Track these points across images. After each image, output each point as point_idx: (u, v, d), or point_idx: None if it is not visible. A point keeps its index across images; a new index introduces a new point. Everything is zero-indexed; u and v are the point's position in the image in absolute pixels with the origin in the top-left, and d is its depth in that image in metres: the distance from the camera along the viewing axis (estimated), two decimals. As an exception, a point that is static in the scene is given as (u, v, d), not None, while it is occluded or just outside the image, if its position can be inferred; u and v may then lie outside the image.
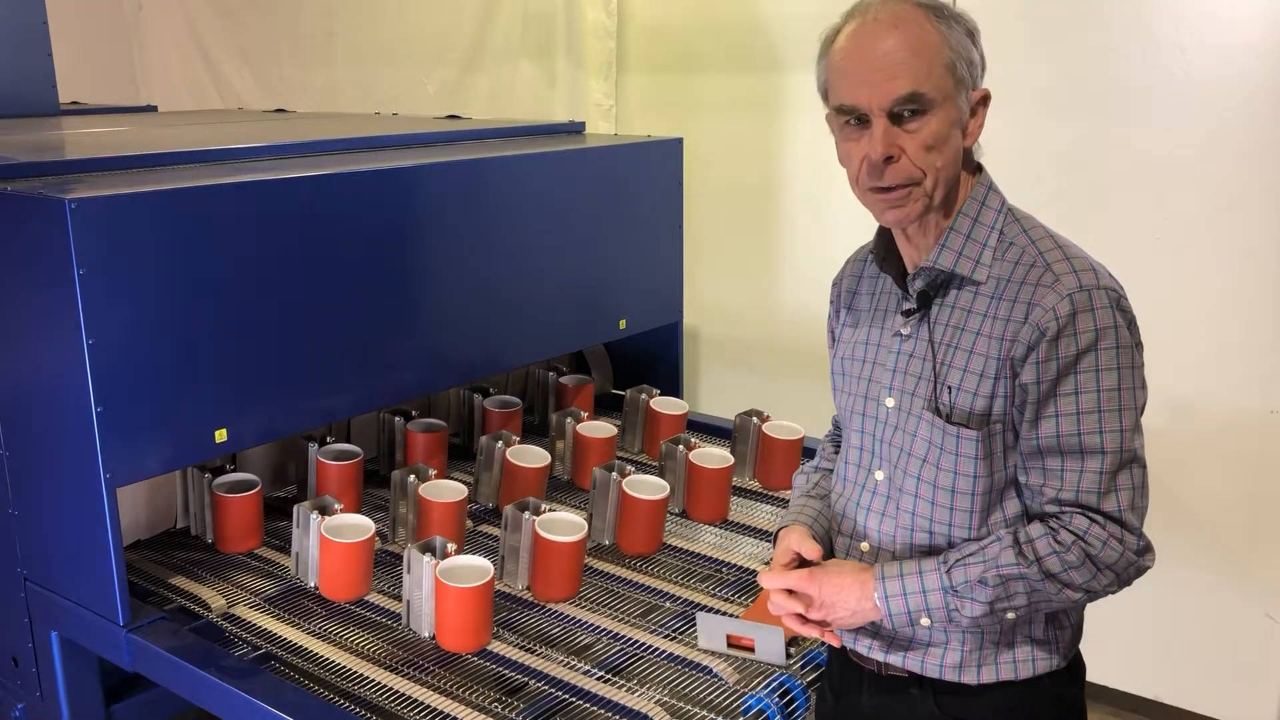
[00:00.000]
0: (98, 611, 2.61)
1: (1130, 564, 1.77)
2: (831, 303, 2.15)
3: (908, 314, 1.91)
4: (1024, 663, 1.88)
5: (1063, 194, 3.63)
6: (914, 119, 1.76)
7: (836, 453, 2.16)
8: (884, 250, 1.96)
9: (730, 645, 2.40)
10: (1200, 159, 3.52)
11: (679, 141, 3.92)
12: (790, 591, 1.91)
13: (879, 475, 1.95)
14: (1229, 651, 3.76)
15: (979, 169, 1.90)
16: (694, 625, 2.54)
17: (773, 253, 4.59)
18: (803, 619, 1.92)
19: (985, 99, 1.83)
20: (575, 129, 4.19)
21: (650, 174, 3.85)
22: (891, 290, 1.96)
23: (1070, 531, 1.76)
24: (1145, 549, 1.78)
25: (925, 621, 1.83)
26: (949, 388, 1.84)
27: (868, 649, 1.97)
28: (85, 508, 2.53)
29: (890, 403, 1.91)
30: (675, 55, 4.69)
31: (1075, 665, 1.95)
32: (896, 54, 1.74)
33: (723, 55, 4.55)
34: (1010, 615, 1.81)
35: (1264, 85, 3.39)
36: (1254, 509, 3.64)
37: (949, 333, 1.85)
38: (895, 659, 1.94)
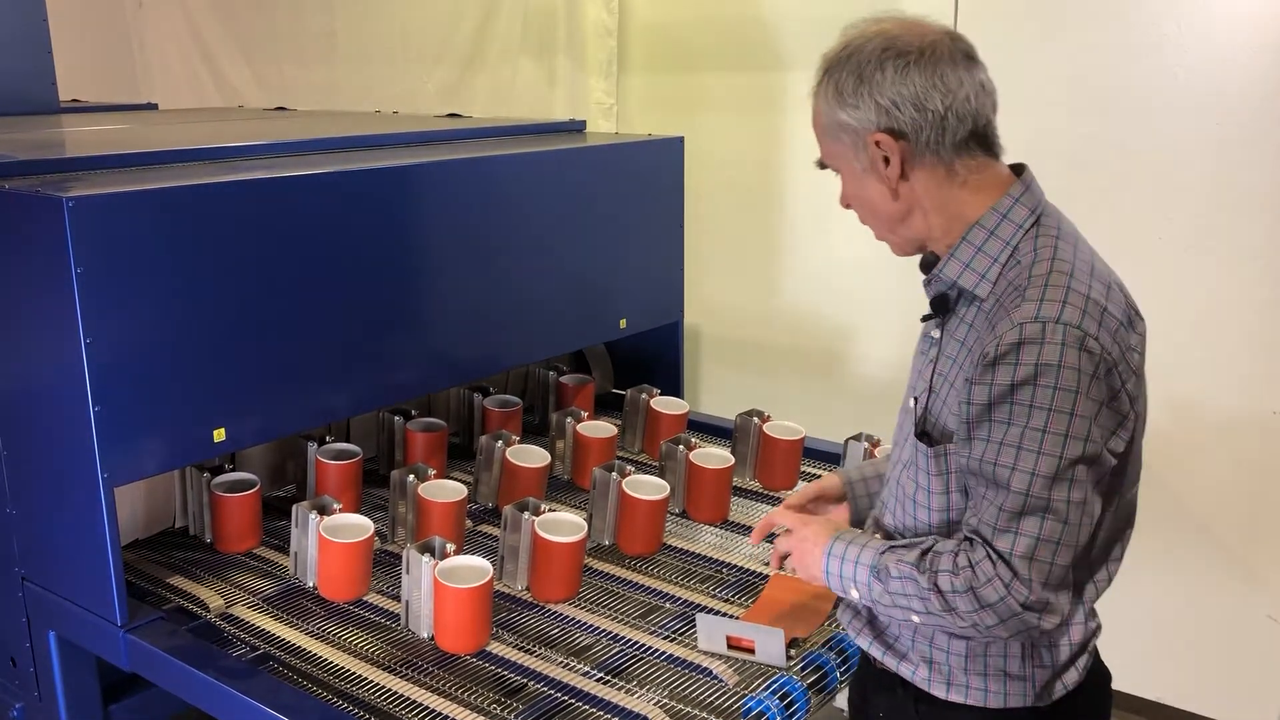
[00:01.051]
0: (95, 611, 2.60)
1: (1013, 613, 1.70)
2: None
3: (926, 319, 1.92)
4: (995, 693, 1.87)
5: (1064, 194, 3.60)
6: (840, 177, 1.90)
7: None
8: (924, 257, 1.93)
9: (730, 647, 2.39)
10: (1202, 159, 3.51)
11: (680, 140, 3.91)
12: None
13: (895, 471, 2.00)
14: (1230, 653, 3.75)
15: (1020, 172, 1.86)
16: (694, 626, 2.54)
17: (774, 252, 4.59)
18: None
19: (885, 144, 1.79)
20: (576, 128, 4.19)
21: (651, 173, 3.84)
22: None
23: (967, 557, 1.73)
24: (1039, 606, 1.70)
25: (854, 594, 1.89)
26: (939, 402, 1.85)
27: (857, 633, 2.03)
28: (83, 507, 2.52)
29: (913, 400, 1.93)
30: (676, 54, 4.69)
31: (1057, 709, 1.90)
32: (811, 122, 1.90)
33: (724, 54, 4.55)
34: (915, 619, 1.81)
35: (1266, 85, 3.38)
36: (1255, 510, 3.63)
37: (953, 346, 1.84)
38: (877, 653, 1.99)
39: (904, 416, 1.98)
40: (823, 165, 1.93)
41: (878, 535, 2.00)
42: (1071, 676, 1.89)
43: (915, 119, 1.76)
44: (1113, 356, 1.69)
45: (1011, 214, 1.80)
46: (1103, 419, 1.69)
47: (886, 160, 1.80)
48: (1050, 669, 1.87)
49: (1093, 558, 1.84)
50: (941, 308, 1.87)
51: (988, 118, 1.81)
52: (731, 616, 2.59)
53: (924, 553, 1.79)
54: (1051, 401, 1.65)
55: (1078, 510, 1.68)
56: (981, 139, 1.81)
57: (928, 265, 1.90)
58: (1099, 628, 1.94)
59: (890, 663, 1.96)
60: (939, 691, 1.90)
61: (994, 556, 1.70)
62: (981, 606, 1.71)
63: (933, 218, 1.83)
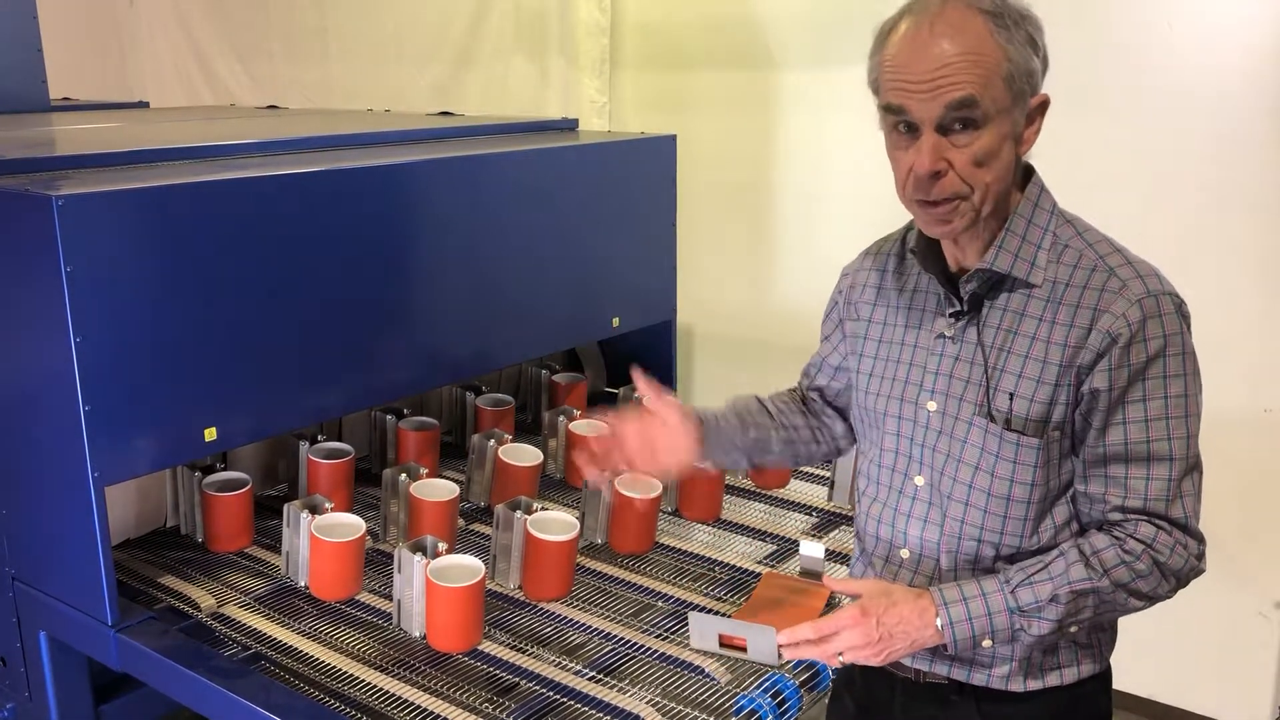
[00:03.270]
0: (86, 611, 2.60)
1: (1193, 569, 1.77)
2: (840, 292, 2.12)
3: (956, 315, 1.85)
4: (1069, 668, 1.88)
5: (1056, 191, 3.60)
6: (965, 132, 1.69)
7: (788, 406, 2.25)
8: (926, 248, 1.89)
9: (722, 645, 2.38)
10: (1192, 157, 3.51)
11: (672, 138, 3.90)
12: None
13: (919, 481, 1.90)
14: (1223, 650, 3.76)
15: (1030, 169, 1.87)
16: (686, 625, 2.53)
17: (766, 250, 4.59)
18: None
19: (1044, 105, 1.78)
20: (569, 126, 4.18)
21: (644, 171, 3.83)
22: (930, 290, 1.91)
23: (1138, 540, 1.74)
24: (1204, 552, 1.78)
25: (988, 643, 1.79)
26: (1006, 394, 1.79)
27: (911, 659, 1.93)
28: (73, 507, 2.51)
29: (932, 406, 1.87)
30: (669, 52, 4.68)
31: (1109, 669, 1.95)
32: (953, 63, 1.66)
33: (717, 52, 4.54)
34: (1074, 629, 1.79)
35: (1257, 83, 3.38)
36: (1247, 507, 3.63)
37: (1001, 336, 1.80)
38: (940, 668, 1.91)
39: (904, 422, 1.92)
40: (963, 105, 1.68)
41: (942, 568, 1.90)
42: (1112, 633, 1.94)
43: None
44: (1190, 318, 1.77)
45: (1041, 201, 1.83)
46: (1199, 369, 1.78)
47: (1031, 121, 1.77)
48: (1110, 631, 1.92)
49: None
50: (977, 304, 1.83)
51: None
52: (724, 615, 2.59)
53: (1086, 561, 1.74)
54: (1183, 367, 1.73)
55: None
56: None
57: (928, 259, 1.87)
58: None
59: (959, 673, 1.90)
60: (1016, 685, 1.87)
61: (1169, 527, 1.75)
62: (1166, 577, 1.75)
63: (993, 202, 1.77)
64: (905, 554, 1.93)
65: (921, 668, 1.93)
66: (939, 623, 1.76)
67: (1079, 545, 1.76)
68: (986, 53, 1.67)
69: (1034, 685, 1.87)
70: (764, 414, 2.20)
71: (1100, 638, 1.90)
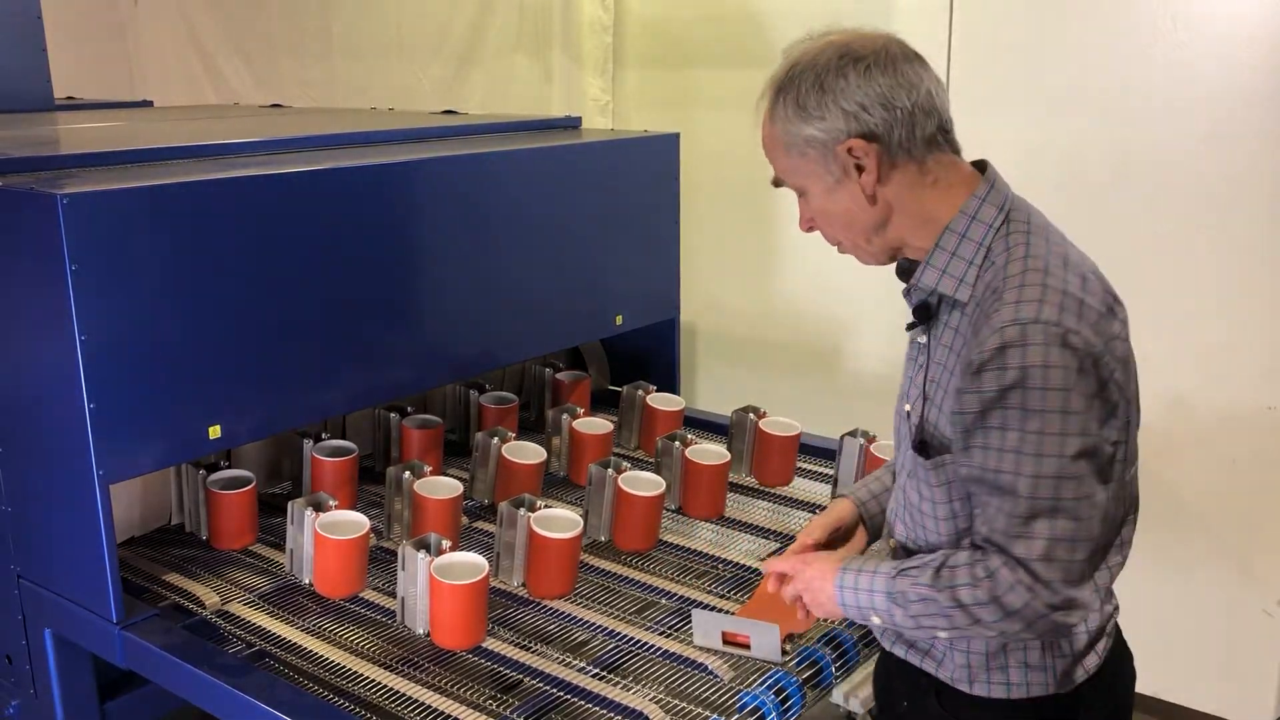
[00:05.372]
0: (91, 609, 2.60)
1: (1040, 616, 1.71)
2: None
3: (910, 328, 1.92)
4: (1018, 685, 1.89)
5: (1060, 190, 3.62)
6: (801, 199, 1.90)
7: None
8: (907, 264, 1.93)
9: (726, 642, 2.39)
10: (1198, 155, 3.51)
11: (676, 137, 3.91)
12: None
13: (901, 479, 2.01)
14: (1228, 647, 3.76)
15: (984, 169, 1.87)
16: (690, 622, 2.54)
17: (770, 248, 4.59)
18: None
19: (854, 150, 1.79)
20: (572, 124, 4.18)
21: (647, 169, 3.84)
22: None
23: (985, 567, 1.73)
24: (1065, 605, 1.70)
25: (875, 620, 1.87)
26: (935, 409, 1.84)
27: (880, 633, 2.05)
28: (78, 504, 2.52)
29: (907, 408, 1.94)
30: (672, 50, 4.69)
31: (1079, 694, 1.92)
32: (762, 146, 1.90)
33: (720, 50, 4.55)
34: (941, 635, 1.84)
35: (1263, 81, 3.38)
36: (1251, 504, 3.63)
37: (941, 352, 1.84)
38: (899, 651, 2.01)
39: (899, 421, 1.99)
40: (778, 184, 1.93)
41: (885, 554, 2.03)
42: (1091, 661, 1.91)
43: (886, 118, 1.76)
44: (1096, 349, 1.68)
45: (980, 214, 1.81)
46: (1095, 410, 1.68)
47: (859, 168, 1.80)
48: (1070, 657, 1.89)
49: (1104, 544, 1.82)
50: (924, 315, 1.87)
51: (948, 114, 1.82)
52: (727, 612, 2.59)
53: (937, 570, 1.78)
54: (1043, 403, 1.65)
55: (1087, 505, 1.69)
56: (947, 135, 1.82)
57: (904, 272, 1.92)
58: (1116, 609, 1.97)
59: (914, 659, 1.99)
60: (962, 687, 1.92)
61: (1012, 563, 1.70)
62: (1007, 614, 1.71)
63: (908, 221, 1.84)
64: (893, 542, 2.06)
65: (887, 646, 2.05)
66: (834, 583, 1.90)
67: (945, 554, 1.79)
68: (767, 135, 1.87)
69: (980, 691, 1.91)
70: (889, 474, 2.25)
71: (1054, 662, 1.88)
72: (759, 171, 4.43)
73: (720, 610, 2.60)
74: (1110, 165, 3.66)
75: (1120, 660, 2.01)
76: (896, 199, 1.82)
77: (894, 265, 1.97)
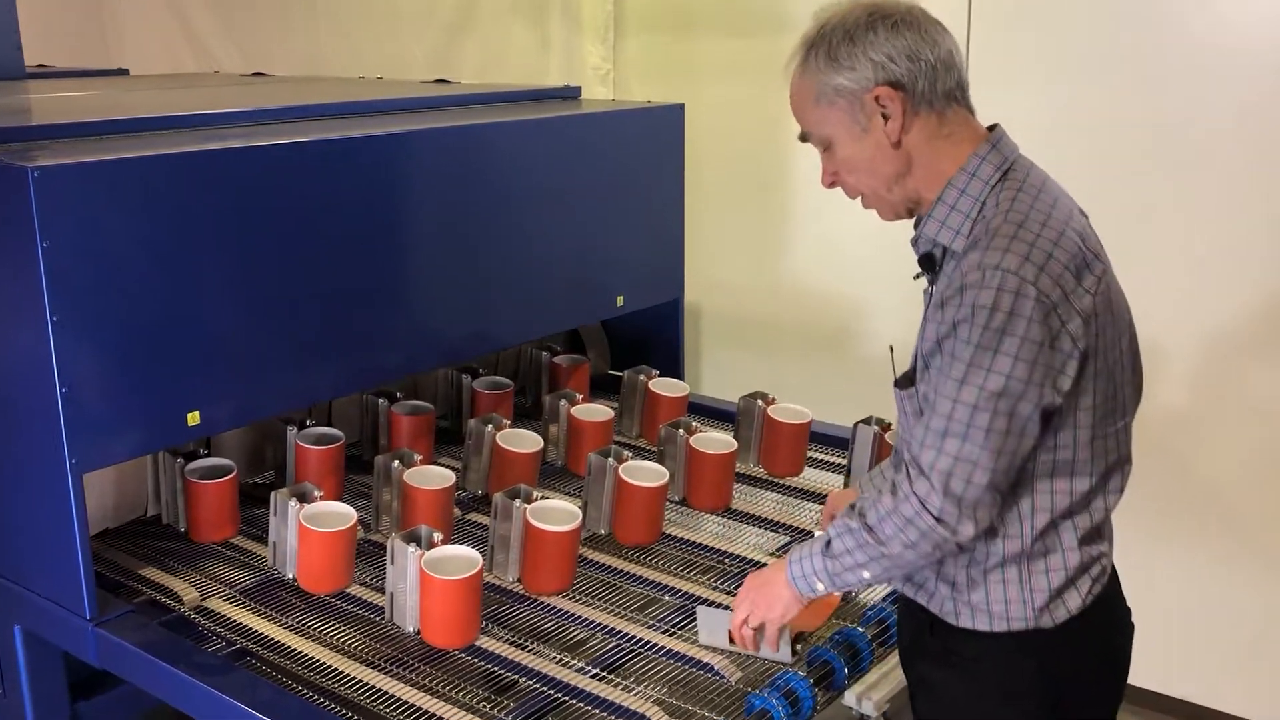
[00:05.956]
0: (63, 605, 2.60)
1: (929, 527, 1.91)
2: None
3: (916, 277, 2.11)
4: (998, 616, 2.03)
5: (1087, 163, 3.61)
6: (826, 153, 2.08)
7: None
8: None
9: (732, 641, 2.39)
10: (1230, 126, 3.50)
11: (680, 108, 3.90)
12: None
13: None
14: (1254, 647, 3.75)
15: (991, 128, 2.05)
16: (694, 620, 2.53)
17: (779, 225, 4.58)
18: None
19: (880, 98, 1.97)
20: (570, 94, 4.16)
21: (650, 142, 3.83)
22: None
23: (892, 484, 1.96)
24: (950, 520, 1.90)
25: (820, 586, 2.11)
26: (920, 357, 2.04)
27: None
28: (50, 495, 2.51)
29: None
30: (676, 17, 4.66)
31: (1065, 632, 2.03)
32: (791, 102, 2.06)
33: (727, 17, 4.53)
34: (865, 575, 2.04)
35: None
36: (1277, 498, 3.63)
37: (937, 299, 2.00)
38: (897, 583, 2.20)
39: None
40: (805, 138, 2.10)
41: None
42: (1073, 600, 2.03)
43: (910, 69, 1.95)
44: (1051, 299, 1.86)
45: (979, 171, 2.00)
46: (1042, 359, 1.86)
47: (885, 116, 1.98)
48: (1046, 592, 2.02)
49: (1090, 488, 2.00)
50: (929, 265, 2.06)
51: (965, 77, 2.02)
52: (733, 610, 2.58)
53: (852, 506, 2.04)
54: (979, 338, 1.85)
55: (998, 438, 1.88)
56: (964, 93, 2.02)
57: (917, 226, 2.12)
58: (1102, 556, 2.07)
59: (909, 592, 2.16)
60: (950, 619, 2.07)
61: (915, 470, 1.92)
62: (902, 525, 1.93)
63: (923, 173, 2.02)
64: None
65: (900, 588, 2.20)
66: (784, 569, 2.15)
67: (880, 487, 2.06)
68: (796, 88, 2.05)
69: (965, 623, 2.06)
70: None
71: (1033, 595, 2.01)
72: (767, 144, 4.45)
73: (726, 607, 2.60)
74: (1137, 138, 3.64)
75: (1111, 608, 2.14)
76: (916, 149, 2.01)
77: (907, 242, 2.12)
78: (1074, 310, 1.88)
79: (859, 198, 2.11)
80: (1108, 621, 2.12)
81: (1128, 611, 2.18)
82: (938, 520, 1.90)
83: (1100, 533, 2.06)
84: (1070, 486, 1.98)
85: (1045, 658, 2.04)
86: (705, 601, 2.66)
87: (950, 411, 1.88)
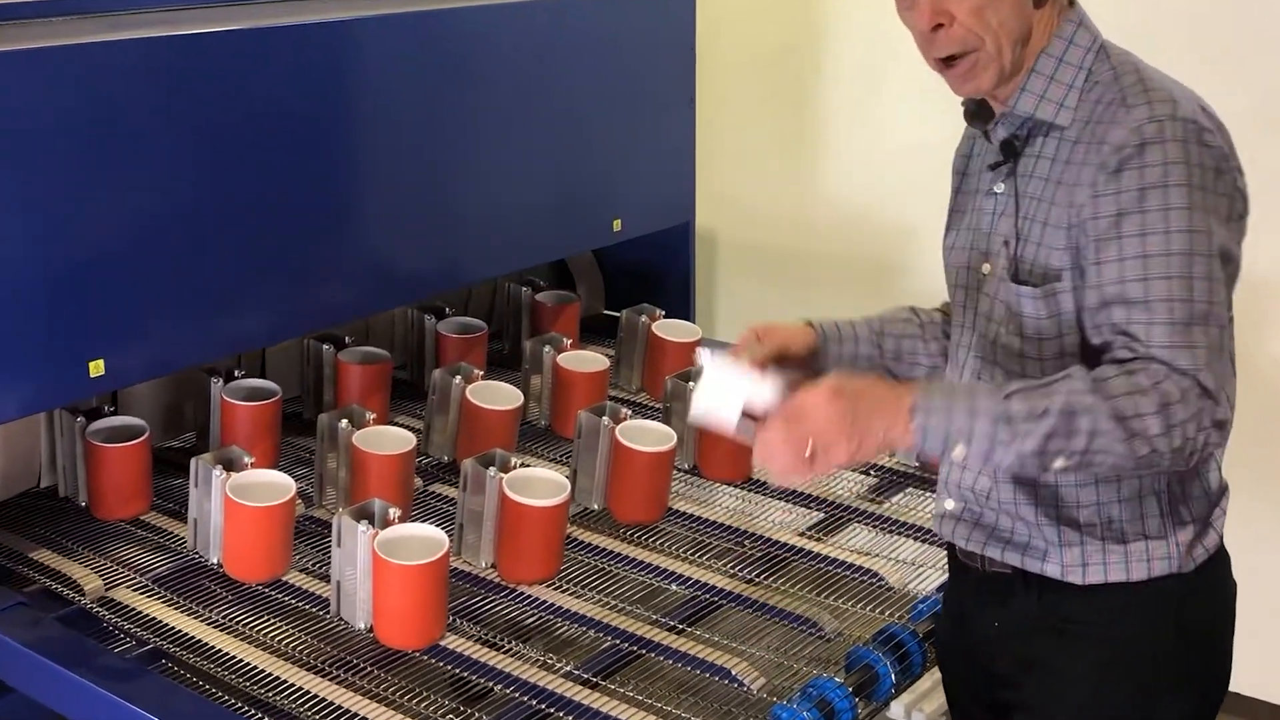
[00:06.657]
0: (-62, 596, 2.60)
1: (1203, 430, 1.84)
2: (953, 175, 2.35)
3: (994, 167, 2.12)
4: (1138, 562, 2.04)
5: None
6: None
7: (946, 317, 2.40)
8: (974, 102, 2.16)
9: (745, 416, 2.07)
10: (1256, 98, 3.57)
11: (691, -8, 3.89)
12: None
13: (966, 342, 2.19)
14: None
15: (1071, 2, 2.08)
16: (706, 615, 2.53)
17: (809, 137, 4.58)
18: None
19: None
20: (556, -29, 4.14)
21: (655, 35, 3.83)
22: (987, 147, 2.17)
23: (1147, 375, 1.85)
24: (1223, 422, 1.86)
25: (960, 451, 1.90)
26: (1034, 244, 2.04)
27: (965, 540, 2.18)
28: (-80, 461, 2.50)
29: (986, 268, 2.13)
30: None
31: (1199, 579, 2.06)
32: None
33: None
34: (1059, 464, 1.88)
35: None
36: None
37: (1037, 184, 2.05)
38: (994, 552, 2.14)
39: (964, 293, 2.21)
40: None
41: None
42: (1212, 538, 2.08)
43: None
44: (1226, 150, 1.92)
45: (1076, 38, 2.04)
46: (1230, 216, 1.92)
47: None
48: (1191, 525, 2.06)
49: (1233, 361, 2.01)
50: (1010, 152, 2.09)
51: None
52: (749, 598, 2.56)
53: (1087, 381, 1.87)
54: (1187, 200, 1.86)
55: (1223, 310, 1.89)
56: None
57: (975, 116, 2.17)
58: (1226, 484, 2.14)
59: (1013, 559, 2.12)
60: (1075, 577, 2.06)
61: (1177, 375, 1.84)
62: (1171, 426, 1.83)
63: (1035, 39, 2.03)
64: None
65: (977, 550, 2.16)
66: (911, 401, 1.91)
67: (1086, 369, 1.91)
68: None
69: (1094, 578, 2.05)
70: (910, 322, 2.47)
71: (1176, 531, 2.04)
72: (798, 38, 4.41)
73: (746, 601, 2.57)
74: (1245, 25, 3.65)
75: (1225, 554, 2.15)
76: (1043, 12, 2.02)
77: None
78: (1239, 167, 1.95)
79: (967, 53, 2.01)
80: (1227, 567, 2.15)
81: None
82: (1214, 425, 1.85)
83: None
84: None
85: (1184, 611, 2.06)
86: (720, 591, 2.66)
87: (1188, 293, 1.85)
